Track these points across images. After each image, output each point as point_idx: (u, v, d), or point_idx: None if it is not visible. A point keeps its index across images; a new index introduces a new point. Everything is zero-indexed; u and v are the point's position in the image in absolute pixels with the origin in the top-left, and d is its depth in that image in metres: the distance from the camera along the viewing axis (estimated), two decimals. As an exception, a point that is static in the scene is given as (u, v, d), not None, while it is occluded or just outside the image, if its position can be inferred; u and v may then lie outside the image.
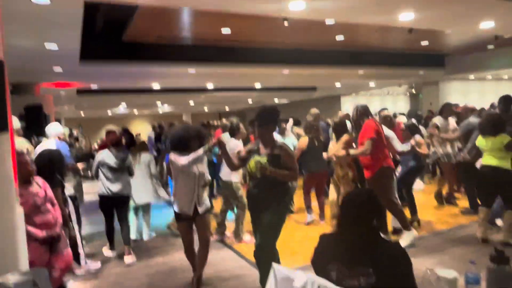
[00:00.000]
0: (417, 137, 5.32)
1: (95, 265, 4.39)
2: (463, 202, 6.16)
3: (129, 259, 4.52)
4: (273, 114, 3.31)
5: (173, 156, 3.55)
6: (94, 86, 11.57)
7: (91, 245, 5.24)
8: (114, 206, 4.63)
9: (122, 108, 20.15)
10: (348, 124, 5.30)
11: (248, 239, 4.92)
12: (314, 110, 6.27)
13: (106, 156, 4.53)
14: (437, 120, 6.02)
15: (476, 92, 14.10)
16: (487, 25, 6.11)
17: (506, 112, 5.20)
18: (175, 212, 3.66)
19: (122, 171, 4.56)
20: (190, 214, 3.54)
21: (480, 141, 4.49)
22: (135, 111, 23.71)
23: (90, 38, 6.94)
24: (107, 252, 4.82)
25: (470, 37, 9.18)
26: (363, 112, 4.47)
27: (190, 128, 3.78)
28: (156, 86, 12.19)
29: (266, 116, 3.24)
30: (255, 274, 3.65)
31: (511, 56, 10.68)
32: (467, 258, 2.35)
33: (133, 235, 5.21)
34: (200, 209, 3.57)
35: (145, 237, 5.47)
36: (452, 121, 6.24)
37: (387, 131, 5.00)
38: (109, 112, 22.57)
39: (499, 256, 1.72)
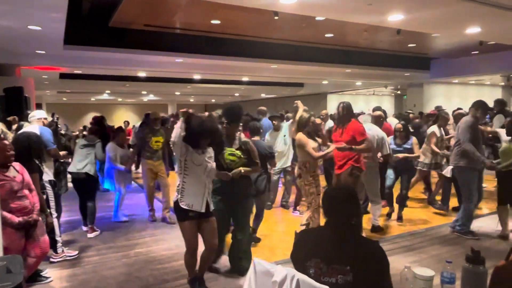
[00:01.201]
0: (413, 139, 5.50)
1: (72, 253, 4.32)
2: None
3: (91, 234, 5.06)
4: (237, 112, 3.46)
5: (186, 148, 3.17)
6: (78, 71, 11.32)
7: (70, 233, 5.16)
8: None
9: (106, 95, 19.81)
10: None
11: None
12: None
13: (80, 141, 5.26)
14: (436, 130, 5.90)
15: (458, 96, 14.40)
16: (473, 30, 6.22)
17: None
18: (182, 209, 3.19)
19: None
20: (202, 211, 3.20)
21: None
22: (119, 99, 23.34)
23: (75, 21, 6.79)
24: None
25: (455, 42, 9.35)
26: (349, 110, 4.51)
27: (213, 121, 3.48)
28: (142, 74, 12.02)
29: (231, 114, 3.36)
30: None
31: (494, 62, 10.93)
32: (444, 258, 2.41)
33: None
34: (211, 207, 3.31)
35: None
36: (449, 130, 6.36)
37: (379, 132, 5.08)
38: (93, 99, 22.17)
39: (475, 256, 1.76)
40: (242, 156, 3.53)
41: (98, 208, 5.34)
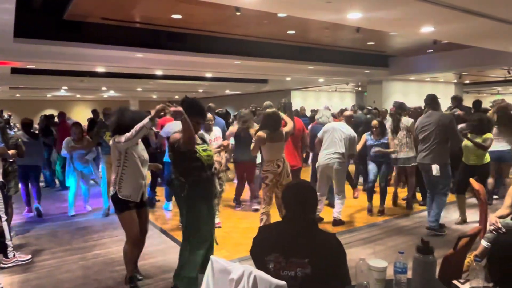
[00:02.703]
0: (389, 134, 5.73)
1: (24, 257, 4.11)
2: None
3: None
4: (193, 107, 3.20)
5: (120, 138, 3.27)
6: (31, 66, 10.74)
7: (22, 236, 4.91)
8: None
9: (63, 92, 18.96)
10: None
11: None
12: (268, 103, 6.44)
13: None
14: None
15: (415, 93, 14.98)
16: (427, 29, 6.47)
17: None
18: (121, 201, 3.26)
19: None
20: (137, 201, 3.35)
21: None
22: (78, 95, 22.42)
23: (26, 13, 6.43)
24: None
25: (412, 41, 9.71)
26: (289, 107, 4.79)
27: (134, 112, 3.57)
28: (100, 69, 11.59)
29: (184, 108, 3.09)
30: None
31: (447, 60, 11.47)
32: (400, 248, 2.50)
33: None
34: (144, 197, 3.48)
35: None
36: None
37: (352, 132, 5.24)
38: (49, 95, 21.15)
39: (425, 247, 1.83)
40: (211, 149, 3.52)
41: (54, 209, 5.17)
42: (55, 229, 5.17)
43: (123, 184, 3.26)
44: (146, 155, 3.47)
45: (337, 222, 5.13)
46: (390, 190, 6.20)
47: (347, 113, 5.78)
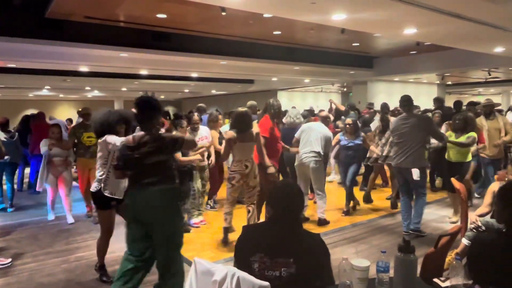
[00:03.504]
0: (363, 134, 5.79)
1: (4, 261, 4.01)
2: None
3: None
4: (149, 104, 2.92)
5: (112, 139, 3.42)
6: (11, 65, 10.51)
7: (2, 239, 4.80)
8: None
9: (45, 91, 18.59)
10: None
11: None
12: (252, 102, 6.46)
13: None
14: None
15: (399, 93, 15.12)
16: (410, 31, 6.57)
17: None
18: (105, 198, 3.42)
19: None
20: (121, 198, 3.41)
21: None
22: (61, 95, 22.01)
23: (6, 11, 6.30)
24: None
25: (395, 42, 9.84)
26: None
27: (117, 112, 3.69)
28: (84, 69, 11.41)
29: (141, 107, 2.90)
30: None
31: (430, 61, 11.67)
32: (383, 248, 2.53)
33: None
34: None
35: None
36: None
37: (327, 131, 5.27)
38: (31, 95, 20.71)
39: (406, 246, 1.86)
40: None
41: (35, 211, 5.07)
42: (37, 232, 5.07)
43: (109, 182, 3.41)
44: None
45: (322, 222, 5.17)
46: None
47: (323, 113, 5.86)
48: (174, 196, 2.83)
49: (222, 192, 6.29)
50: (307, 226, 5.01)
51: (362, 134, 5.77)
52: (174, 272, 2.78)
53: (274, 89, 18.29)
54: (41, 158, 5.34)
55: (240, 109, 4.43)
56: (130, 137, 2.91)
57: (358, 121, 6.11)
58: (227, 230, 4.50)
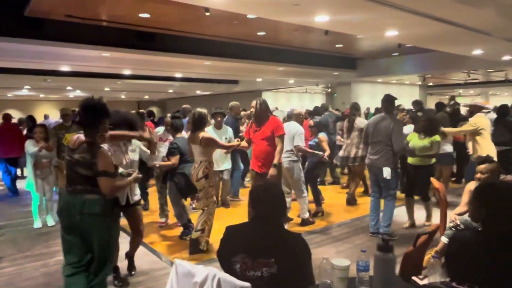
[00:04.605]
0: (320, 134, 5.76)
1: (-19, 265, 3.91)
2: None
3: None
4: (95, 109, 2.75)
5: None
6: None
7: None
8: None
9: (25, 91, 18.16)
10: None
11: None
12: (235, 103, 6.45)
13: None
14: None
15: (382, 94, 15.33)
16: (391, 33, 6.68)
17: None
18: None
19: None
20: (123, 203, 3.36)
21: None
22: (41, 95, 21.55)
23: (-17, 9, 6.15)
24: None
25: (378, 44, 9.99)
26: (267, 106, 4.60)
27: (119, 114, 3.48)
28: (65, 68, 11.19)
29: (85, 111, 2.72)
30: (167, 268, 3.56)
31: (412, 63, 11.89)
32: (365, 247, 2.56)
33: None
34: (132, 200, 3.48)
35: None
36: None
37: (297, 127, 5.25)
38: (10, 94, 20.22)
39: (385, 245, 1.88)
40: None
41: (14, 214, 4.93)
42: (15, 235, 4.94)
43: None
44: (134, 156, 3.55)
45: (305, 222, 5.18)
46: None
47: (296, 111, 5.85)
48: (97, 206, 2.66)
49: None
50: (291, 227, 5.03)
51: (319, 135, 5.75)
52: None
53: (258, 89, 18.32)
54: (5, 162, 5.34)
55: (198, 109, 4.25)
56: (81, 136, 2.72)
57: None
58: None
